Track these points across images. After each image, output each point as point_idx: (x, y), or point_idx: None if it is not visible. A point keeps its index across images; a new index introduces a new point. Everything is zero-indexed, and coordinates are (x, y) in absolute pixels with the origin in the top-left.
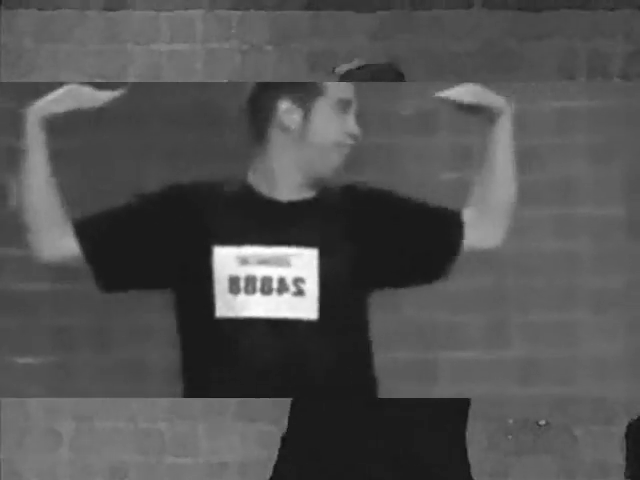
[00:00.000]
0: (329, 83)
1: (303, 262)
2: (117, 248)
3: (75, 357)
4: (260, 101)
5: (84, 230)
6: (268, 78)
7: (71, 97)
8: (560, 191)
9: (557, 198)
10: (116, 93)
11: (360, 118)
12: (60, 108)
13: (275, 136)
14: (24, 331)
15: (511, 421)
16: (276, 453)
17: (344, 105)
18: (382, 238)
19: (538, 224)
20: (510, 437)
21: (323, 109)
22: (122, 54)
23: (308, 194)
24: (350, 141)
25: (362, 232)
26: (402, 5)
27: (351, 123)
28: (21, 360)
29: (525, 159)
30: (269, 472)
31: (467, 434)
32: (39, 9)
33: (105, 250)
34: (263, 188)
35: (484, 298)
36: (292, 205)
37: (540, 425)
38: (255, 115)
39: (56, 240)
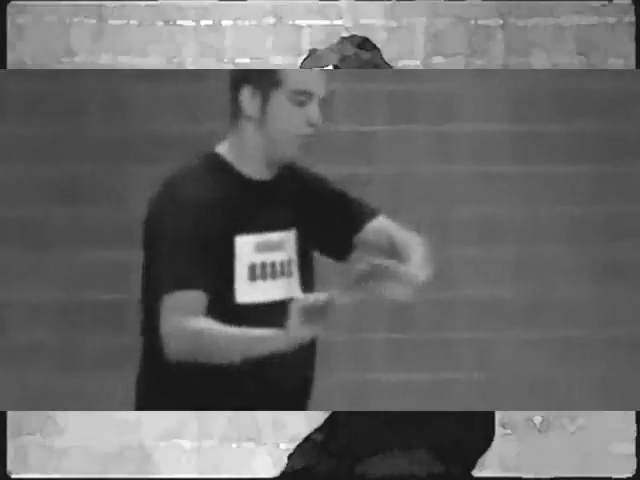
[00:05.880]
0: (289, 71)
1: (290, 245)
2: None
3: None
4: (229, 88)
5: None
6: None
7: None
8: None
9: None
10: None
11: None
12: None
13: (242, 121)
14: None
15: None
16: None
17: (302, 95)
18: (314, 218)
19: None
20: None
21: (279, 100)
22: None
23: (270, 175)
24: (309, 131)
25: (305, 213)
26: None
27: (310, 113)
28: None
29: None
30: None
31: None
32: None
33: None
34: (237, 164)
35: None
36: (260, 184)
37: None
38: (230, 100)
39: None
